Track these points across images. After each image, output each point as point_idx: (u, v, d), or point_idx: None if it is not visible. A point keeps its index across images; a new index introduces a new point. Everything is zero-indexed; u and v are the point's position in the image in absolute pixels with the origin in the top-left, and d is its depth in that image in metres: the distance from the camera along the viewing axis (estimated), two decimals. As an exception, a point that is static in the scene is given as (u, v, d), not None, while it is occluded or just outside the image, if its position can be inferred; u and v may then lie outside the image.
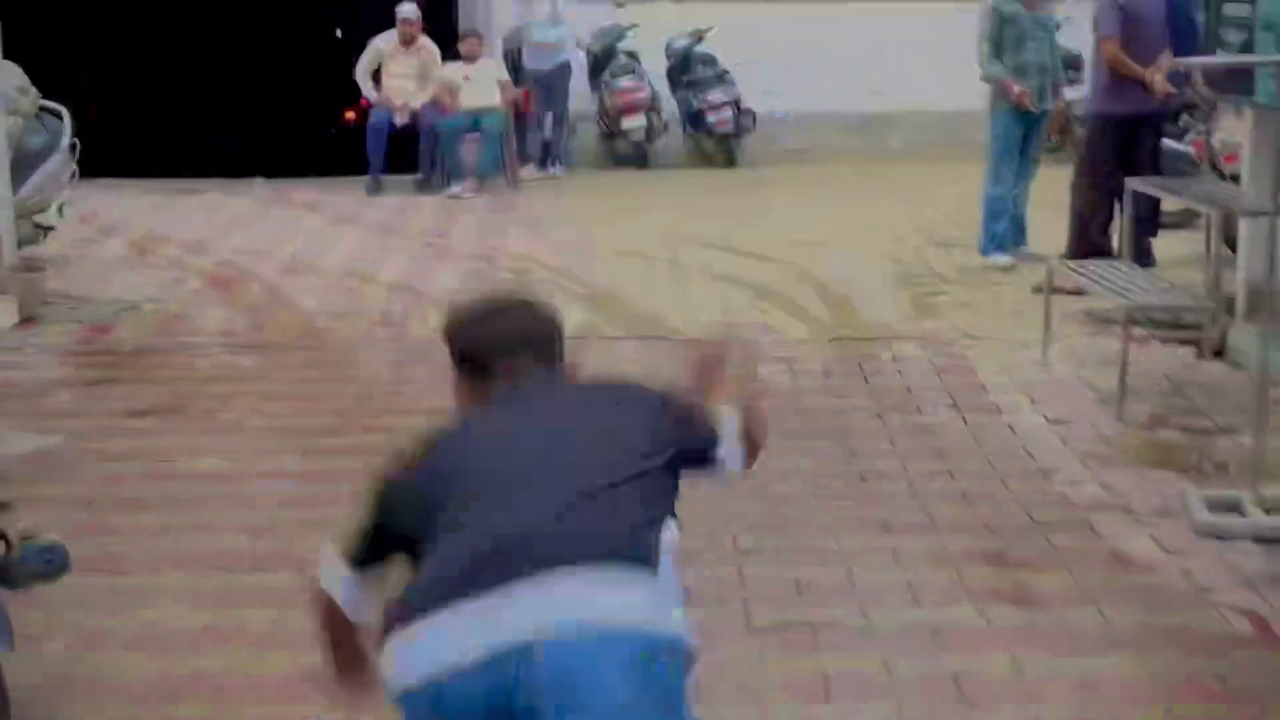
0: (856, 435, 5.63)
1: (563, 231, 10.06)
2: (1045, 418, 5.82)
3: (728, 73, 12.63)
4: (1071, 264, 6.99)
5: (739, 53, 12.74)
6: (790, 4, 13.15)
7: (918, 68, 13.00)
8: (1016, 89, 8.27)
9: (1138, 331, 6.58)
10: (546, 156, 12.61)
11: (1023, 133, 8.47)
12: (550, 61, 12.32)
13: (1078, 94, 11.01)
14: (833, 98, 13.11)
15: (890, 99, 13.20)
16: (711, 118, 12.56)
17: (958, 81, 12.64)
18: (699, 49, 12.84)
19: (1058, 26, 8.93)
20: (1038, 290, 7.77)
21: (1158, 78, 7.87)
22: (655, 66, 12.85)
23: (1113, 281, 6.39)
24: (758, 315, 7.59)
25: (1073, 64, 11.01)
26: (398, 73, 12.04)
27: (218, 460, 5.37)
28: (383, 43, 12.08)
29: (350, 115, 12.31)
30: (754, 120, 12.77)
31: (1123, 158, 7.92)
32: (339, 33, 12.69)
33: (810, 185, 11.95)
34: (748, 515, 4.73)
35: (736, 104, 12.60)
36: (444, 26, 12.36)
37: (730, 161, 12.78)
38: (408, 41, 12.00)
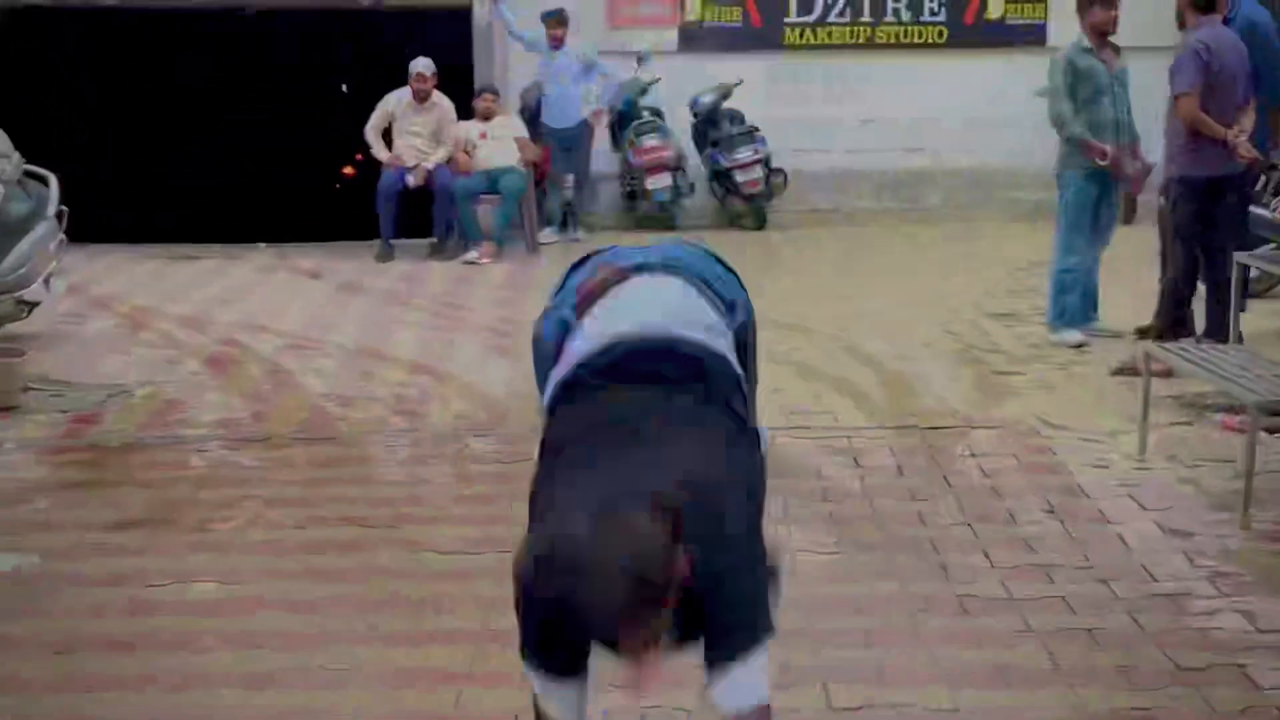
0: (946, 549, 4.90)
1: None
2: (1158, 526, 5.10)
3: (757, 130, 11.97)
4: (1168, 346, 6.26)
5: (768, 109, 12.18)
6: (822, 58, 12.64)
7: (954, 124, 12.53)
8: (1109, 149, 7.55)
9: (1239, 420, 5.88)
10: (567, 219, 11.93)
11: (1096, 195, 7.74)
12: (571, 118, 11.68)
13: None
14: (867, 156, 12.62)
15: (926, 156, 12.74)
16: (740, 177, 11.91)
17: (995, 138, 12.18)
18: (726, 105, 12.20)
19: None
20: (1118, 372, 7.10)
21: (1241, 139, 7.14)
22: (680, 123, 12.25)
23: (1220, 367, 5.66)
24: (804, 396, 6.88)
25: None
26: (410, 131, 11.36)
27: (212, 586, 4.64)
28: (395, 100, 11.41)
29: (349, 171, 11.67)
30: (785, 179, 12.14)
31: (1204, 225, 7.21)
32: (344, 88, 12.04)
33: (846, 248, 11.32)
34: (839, 658, 3.99)
35: (766, 162, 11.95)
36: (459, 82, 11.71)
37: (761, 223, 12.09)
38: (421, 98, 11.32)
